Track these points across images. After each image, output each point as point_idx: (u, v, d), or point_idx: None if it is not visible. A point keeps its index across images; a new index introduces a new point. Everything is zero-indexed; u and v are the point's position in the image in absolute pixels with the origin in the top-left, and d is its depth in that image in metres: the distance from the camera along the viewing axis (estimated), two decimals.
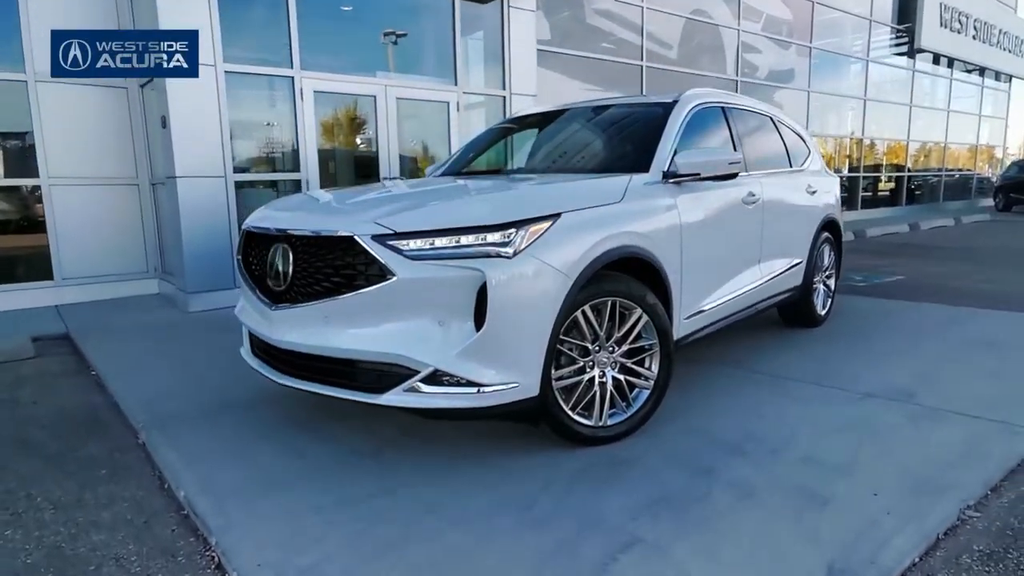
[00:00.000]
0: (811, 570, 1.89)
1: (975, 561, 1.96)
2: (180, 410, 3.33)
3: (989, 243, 11.01)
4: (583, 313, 2.65)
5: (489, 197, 2.75)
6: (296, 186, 6.48)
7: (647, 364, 2.90)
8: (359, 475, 2.57)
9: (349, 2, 7.01)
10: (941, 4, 17.15)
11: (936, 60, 18.39)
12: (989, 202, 20.51)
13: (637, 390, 2.89)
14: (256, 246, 2.92)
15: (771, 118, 4.60)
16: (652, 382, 2.91)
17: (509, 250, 2.39)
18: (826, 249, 4.94)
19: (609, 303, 2.73)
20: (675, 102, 3.61)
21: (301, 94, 6.32)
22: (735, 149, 3.87)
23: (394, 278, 2.36)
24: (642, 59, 10.97)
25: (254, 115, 6.27)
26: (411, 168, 7.47)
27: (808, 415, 3.10)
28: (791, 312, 4.74)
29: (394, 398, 2.45)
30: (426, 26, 7.54)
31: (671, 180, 3.21)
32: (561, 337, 2.60)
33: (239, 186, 6.14)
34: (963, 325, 4.82)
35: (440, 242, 2.40)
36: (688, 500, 2.31)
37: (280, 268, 2.66)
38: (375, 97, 6.83)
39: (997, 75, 21.45)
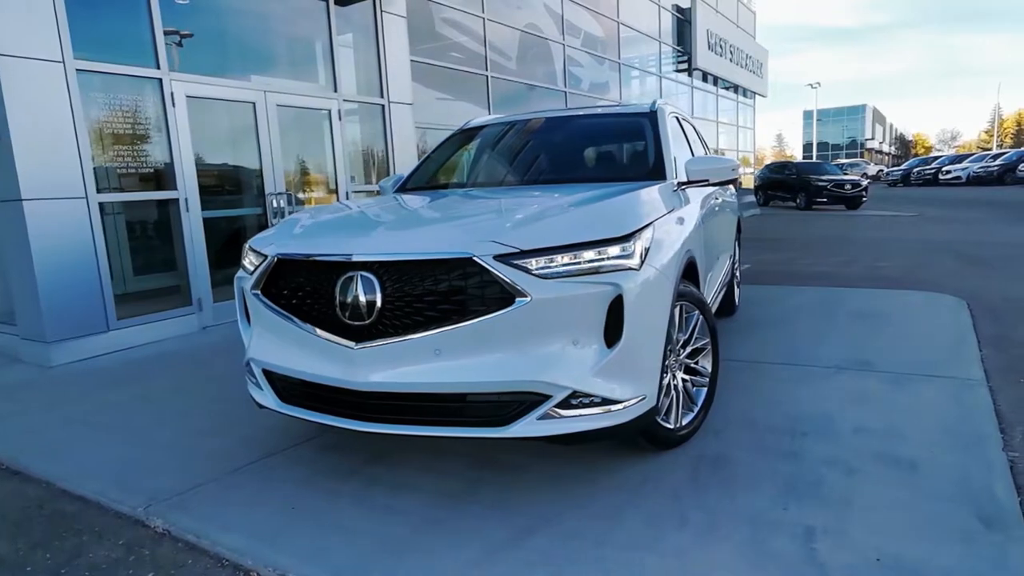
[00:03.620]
0: (966, 523, 2.15)
1: None
2: (179, 484, 2.71)
3: (782, 233, 13.07)
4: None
5: (593, 208, 2.65)
6: (173, 205, 5.56)
7: (701, 363, 3.03)
8: (479, 521, 2.33)
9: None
10: (707, 31, 19.98)
11: (705, 78, 21.37)
12: (750, 198, 24.28)
13: (696, 389, 3.01)
14: (304, 275, 2.49)
15: (693, 126, 5.03)
16: (707, 379, 3.04)
17: (635, 261, 2.35)
18: (736, 243, 5.53)
19: (678, 308, 2.81)
20: (655, 111, 3.80)
21: (172, 99, 5.44)
22: (692, 155, 4.18)
23: (527, 299, 2.19)
24: (487, 69, 11.20)
25: (117, 124, 5.24)
26: (295, 182, 6.81)
27: (815, 393, 3.46)
28: (720, 302, 5.23)
29: (526, 428, 2.27)
30: (303, 30, 6.93)
31: (681, 187, 3.39)
32: None
33: (104, 210, 5.10)
34: (840, 302, 5.71)
35: (564, 258, 2.27)
36: (810, 484, 2.47)
37: (362, 299, 2.31)
38: (254, 104, 6.12)
39: (745, 92, 25.54)
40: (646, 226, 2.50)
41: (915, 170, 35.18)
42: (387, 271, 2.31)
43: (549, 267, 2.25)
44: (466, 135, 4.35)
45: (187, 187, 5.58)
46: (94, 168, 5.00)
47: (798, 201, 20.10)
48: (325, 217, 2.96)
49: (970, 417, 3.03)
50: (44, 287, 4.70)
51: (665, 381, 2.75)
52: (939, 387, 3.44)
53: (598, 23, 14.83)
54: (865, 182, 19.87)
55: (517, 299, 2.20)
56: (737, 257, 5.62)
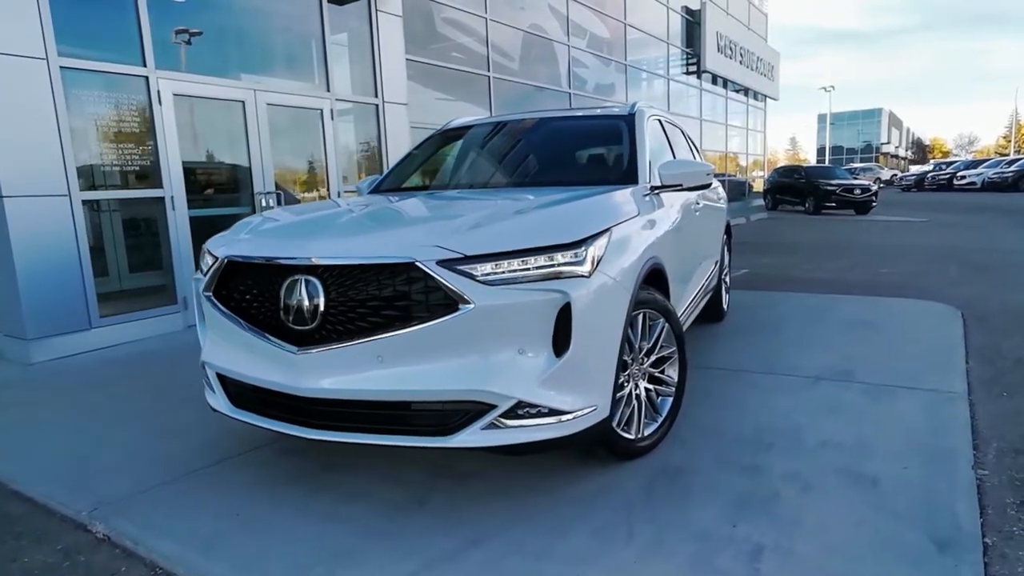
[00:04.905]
0: (921, 547, 2.07)
1: (1018, 512, 2.29)
2: (128, 488, 2.68)
3: (786, 237, 12.91)
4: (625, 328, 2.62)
5: (547, 213, 2.59)
6: (157, 204, 5.56)
7: (667, 372, 2.95)
8: (425, 532, 2.28)
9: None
10: (717, 33, 19.81)
11: (714, 80, 21.19)
12: (759, 201, 24.06)
13: (661, 398, 2.94)
14: (252, 278, 2.46)
15: (681, 130, 4.95)
16: (673, 388, 2.97)
17: (585, 268, 2.29)
18: (725, 249, 5.44)
19: (641, 315, 2.74)
20: (633, 114, 3.73)
21: (159, 97, 5.44)
22: (674, 158, 4.11)
23: (470, 306, 2.14)
24: (488, 70, 11.15)
25: (102, 122, 5.25)
26: (286, 182, 6.80)
27: (790, 403, 3.38)
28: (705, 308, 5.12)
29: (470, 438, 2.22)
30: (295, 28, 6.92)
31: (655, 191, 3.32)
32: None
33: (88, 208, 5.11)
34: (832, 310, 5.60)
35: (511, 264, 2.22)
36: (765, 499, 2.40)
37: (306, 304, 2.26)
38: (244, 103, 6.11)
39: (756, 95, 25.31)
40: (601, 232, 2.44)
41: (929, 175, 34.73)
42: (332, 275, 2.27)
43: (495, 273, 2.19)
44: (445, 136, 4.30)
45: (173, 185, 5.57)
46: (78, 166, 5.01)
47: (807, 205, 19.88)
48: (280, 219, 2.93)
49: (944, 432, 2.93)
50: (25, 284, 4.71)
51: (626, 390, 2.69)
52: (917, 400, 3.34)
53: (604, 24, 14.74)
54: (875, 187, 19.62)
55: (460, 306, 2.15)
56: (727, 262, 5.52)
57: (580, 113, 4.12)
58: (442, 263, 2.16)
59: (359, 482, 2.68)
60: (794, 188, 20.95)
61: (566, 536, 2.22)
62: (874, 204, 19.00)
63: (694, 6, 19.01)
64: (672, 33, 18.16)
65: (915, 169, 44.43)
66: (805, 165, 24.64)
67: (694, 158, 4.98)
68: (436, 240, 2.22)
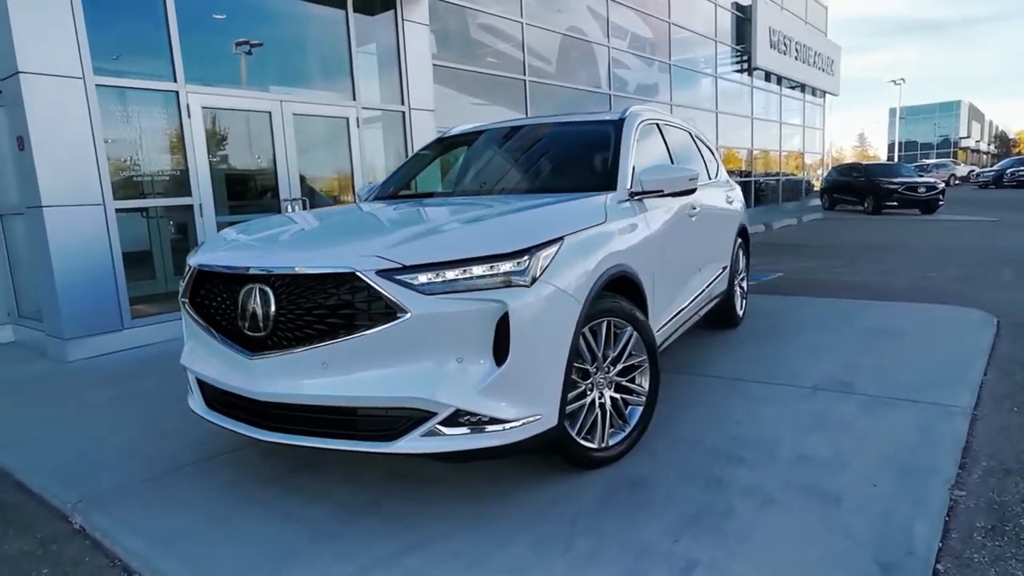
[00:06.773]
0: (865, 569, 1.98)
1: (985, 537, 2.16)
2: (114, 483, 2.85)
3: (835, 239, 12.42)
4: (584, 336, 2.61)
5: (492, 223, 2.62)
6: (188, 211, 5.86)
7: (638, 381, 2.92)
8: (373, 535, 2.34)
9: (238, 11, 6.47)
10: (770, 28, 19.22)
11: (767, 77, 20.56)
12: (816, 201, 23.17)
13: (630, 407, 2.90)
14: (216, 286, 2.58)
15: (690, 133, 4.85)
16: (644, 398, 2.93)
17: (526, 278, 2.30)
18: (740, 254, 5.29)
19: (604, 323, 2.71)
20: (623, 119, 3.69)
21: (188, 110, 5.73)
22: (672, 163, 4.04)
23: (407, 315, 2.18)
24: (524, 74, 11.19)
25: (135, 135, 5.58)
26: (313, 188, 7.04)
27: (778, 414, 3.27)
28: (715, 315, 4.99)
29: (410, 444, 2.26)
30: (321, 39, 7.16)
31: (636, 197, 3.28)
32: None
33: (121, 215, 5.44)
34: (858, 316, 5.36)
35: (451, 274, 2.24)
36: (718, 515, 2.34)
37: (259, 311, 2.36)
38: (270, 113, 6.36)
39: (814, 91, 24.39)
40: (550, 242, 2.44)
41: (1008, 171, 32.56)
42: (282, 284, 2.36)
43: (434, 283, 2.22)
44: (443, 144, 4.37)
45: (202, 193, 5.86)
46: (112, 176, 5.33)
47: (866, 205, 19.02)
48: (250, 228, 3.04)
49: (930, 449, 2.78)
50: (62, 287, 5.05)
51: (587, 399, 2.67)
52: (914, 414, 3.18)
53: (647, 24, 14.55)
54: (941, 185, 18.56)
55: (399, 314, 2.20)
56: (741, 267, 5.37)
57: (574, 119, 4.09)
58: (381, 273, 2.21)
59: (326, 484, 2.76)
60: (852, 187, 20.06)
61: (506, 545, 2.23)
62: (941, 203, 17.99)
63: (744, 1, 18.52)
64: (721, 31, 17.74)
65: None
66: (865, 163, 23.53)
67: (704, 163, 4.87)
68: (378, 250, 2.28)
